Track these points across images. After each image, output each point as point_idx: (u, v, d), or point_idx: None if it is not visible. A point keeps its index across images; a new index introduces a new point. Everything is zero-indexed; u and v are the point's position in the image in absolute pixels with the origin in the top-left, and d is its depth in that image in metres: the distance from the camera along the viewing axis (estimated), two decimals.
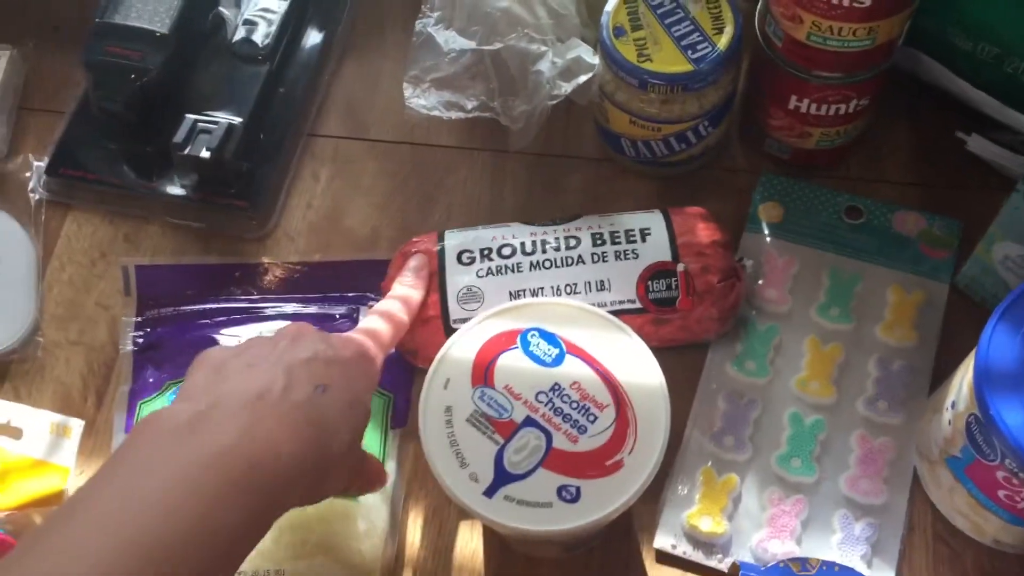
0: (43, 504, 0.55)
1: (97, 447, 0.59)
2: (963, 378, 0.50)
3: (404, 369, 0.60)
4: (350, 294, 0.64)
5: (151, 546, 0.36)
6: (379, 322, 0.54)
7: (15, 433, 0.57)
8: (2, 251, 0.65)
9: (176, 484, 0.38)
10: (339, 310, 0.63)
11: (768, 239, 0.63)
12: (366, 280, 0.63)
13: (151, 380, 0.60)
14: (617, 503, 0.46)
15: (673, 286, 0.57)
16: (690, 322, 0.59)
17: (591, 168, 0.67)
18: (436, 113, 0.61)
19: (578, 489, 0.47)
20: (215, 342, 0.61)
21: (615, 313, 0.57)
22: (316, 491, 0.46)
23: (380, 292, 0.60)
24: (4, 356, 0.62)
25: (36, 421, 0.57)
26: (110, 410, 0.60)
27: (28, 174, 0.68)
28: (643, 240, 0.59)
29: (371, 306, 0.62)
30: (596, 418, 0.48)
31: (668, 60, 0.58)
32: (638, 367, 0.49)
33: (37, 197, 0.68)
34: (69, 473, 0.55)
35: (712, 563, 0.55)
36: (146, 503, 0.37)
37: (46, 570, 0.35)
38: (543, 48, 0.59)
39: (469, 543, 0.57)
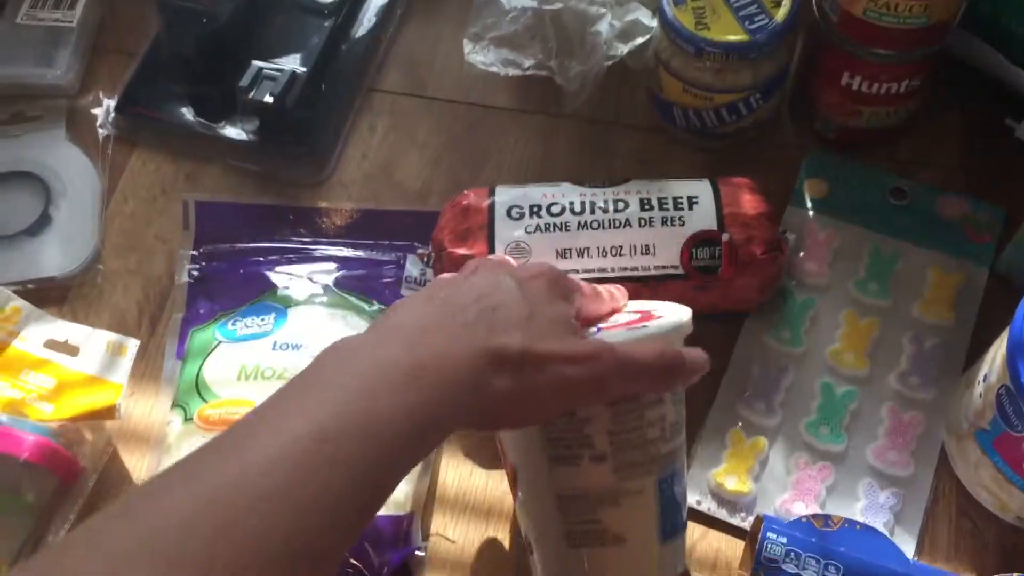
0: (95, 417, 0.57)
1: (148, 370, 0.62)
2: (997, 351, 0.51)
3: None
4: (399, 243, 0.65)
5: (320, 438, 0.36)
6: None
7: (72, 351, 0.60)
8: (70, 182, 0.68)
9: (346, 385, 0.39)
10: (387, 257, 0.65)
11: (811, 214, 0.64)
12: (415, 230, 0.65)
13: (203, 311, 0.62)
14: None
15: (717, 255, 0.58)
16: (731, 291, 0.60)
17: (641, 136, 0.69)
18: (494, 69, 0.63)
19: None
20: (267, 279, 0.63)
21: (657, 279, 0.58)
22: (505, 403, 0.43)
23: (429, 242, 0.62)
24: (66, 281, 0.65)
25: (93, 340, 0.60)
26: (163, 336, 0.63)
27: (98, 110, 0.71)
28: (690, 208, 0.60)
29: (419, 254, 0.63)
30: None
31: (725, 29, 0.59)
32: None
33: (105, 133, 0.70)
34: (121, 390, 0.57)
35: (735, 521, 0.56)
36: (318, 401, 0.38)
37: (219, 466, 0.36)
38: (602, 10, 0.61)
39: (500, 485, 0.58)
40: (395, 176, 0.69)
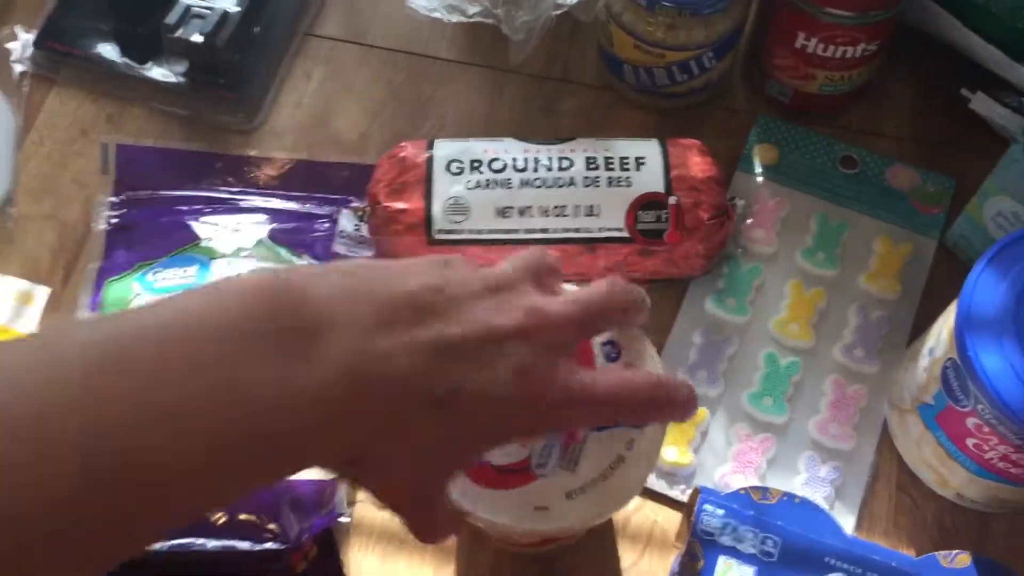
0: None
1: (60, 320, 0.58)
2: (943, 325, 0.49)
3: None
4: (333, 196, 0.62)
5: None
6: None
7: None
8: None
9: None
10: (321, 210, 0.61)
11: (760, 180, 0.62)
12: (351, 183, 0.62)
13: (120, 260, 0.59)
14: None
15: (663, 218, 0.57)
16: (676, 256, 0.58)
17: (590, 94, 0.66)
18: (437, 15, 0.60)
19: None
20: (190, 229, 0.59)
21: (602, 240, 0.56)
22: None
23: (365, 196, 0.59)
24: None
25: (0, 287, 0.56)
26: (77, 286, 0.59)
27: (15, 45, 0.66)
28: (637, 169, 0.58)
29: (354, 208, 0.60)
30: None
31: None
32: None
33: (22, 68, 0.66)
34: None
35: (674, 493, 0.54)
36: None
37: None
38: None
39: None
40: (331, 126, 0.66)
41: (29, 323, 0.54)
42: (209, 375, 0.31)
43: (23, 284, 0.56)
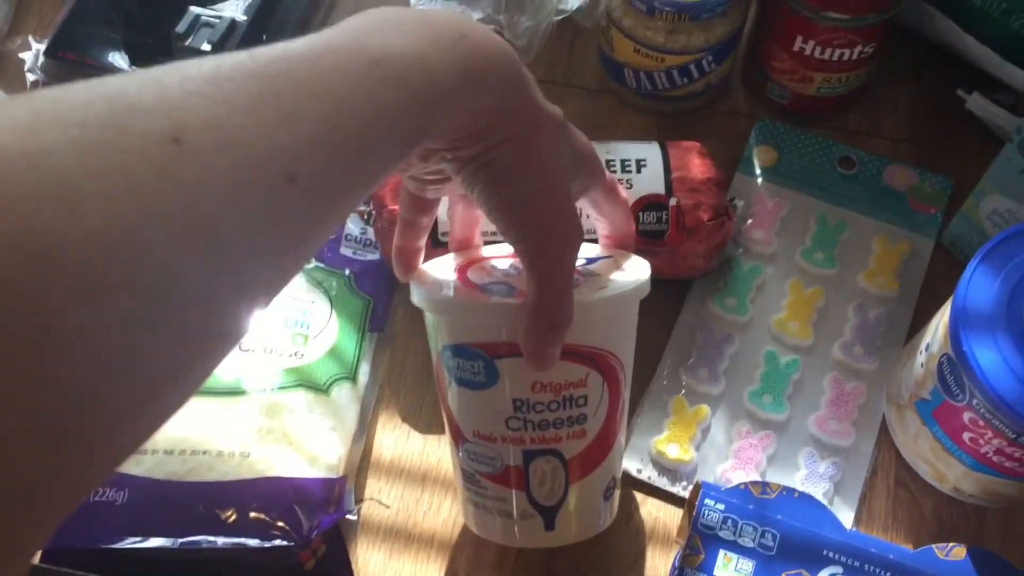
0: None
1: None
2: (940, 321, 0.50)
3: (386, 275, 0.60)
4: None
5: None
6: None
7: None
8: None
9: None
10: None
11: (760, 181, 0.63)
12: None
13: None
14: None
15: (663, 219, 0.57)
16: (676, 257, 0.59)
17: (591, 98, 0.67)
18: None
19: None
20: None
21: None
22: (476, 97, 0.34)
23: (370, 199, 0.60)
24: None
25: None
26: None
27: (27, 55, 0.67)
28: (638, 171, 0.58)
29: (359, 212, 0.61)
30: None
31: None
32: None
33: (34, 78, 0.67)
34: None
35: (676, 489, 0.55)
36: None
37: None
38: None
39: (435, 450, 0.57)
40: None
41: None
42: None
43: None
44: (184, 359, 0.25)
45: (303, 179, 0.27)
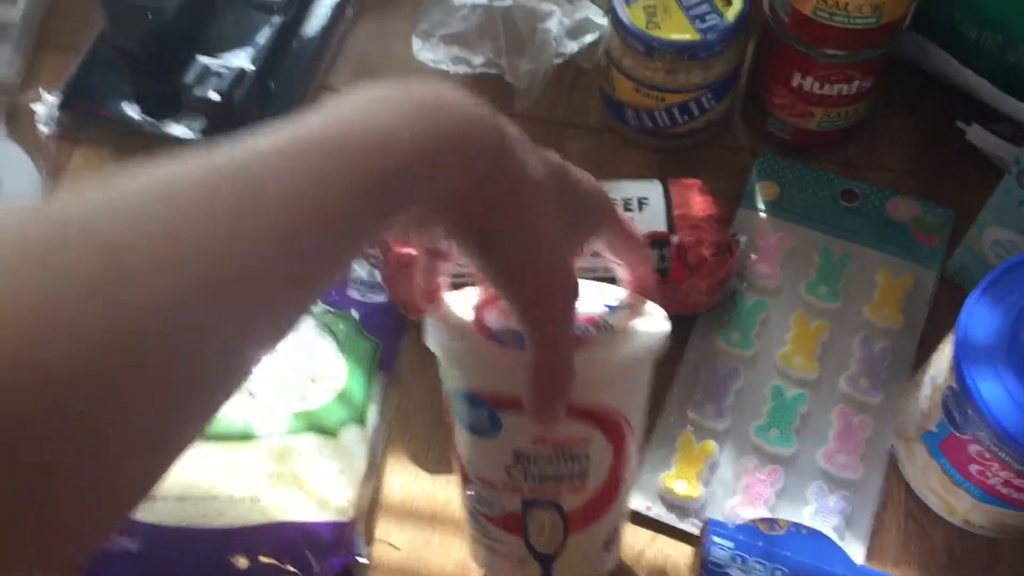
0: None
1: None
2: (943, 354, 0.50)
3: (394, 317, 0.61)
4: None
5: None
6: None
7: None
8: (9, 180, 0.66)
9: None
10: None
11: (763, 216, 0.64)
12: None
13: None
14: None
15: (666, 257, 0.58)
16: (680, 294, 0.59)
17: (593, 137, 0.68)
18: (443, 67, 0.62)
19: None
20: None
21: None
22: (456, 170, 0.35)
23: (375, 243, 0.61)
24: None
25: None
26: None
27: (40, 107, 0.69)
28: (640, 209, 0.59)
29: (365, 255, 0.62)
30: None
31: (676, 28, 0.59)
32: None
33: (47, 130, 0.69)
34: None
35: (685, 526, 0.55)
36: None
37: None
38: (552, 7, 0.60)
39: (444, 491, 0.57)
40: None
41: None
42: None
43: None
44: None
45: (277, 267, 0.29)
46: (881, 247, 0.62)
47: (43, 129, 0.68)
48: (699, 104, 0.63)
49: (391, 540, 0.56)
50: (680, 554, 0.55)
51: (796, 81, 0.61)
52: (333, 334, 0.59)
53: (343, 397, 0.57)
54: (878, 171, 0.66)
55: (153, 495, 0.48)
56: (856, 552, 0.54)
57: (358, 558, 0.53)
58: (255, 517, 0.52)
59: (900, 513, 0.56)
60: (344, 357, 0.59)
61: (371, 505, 0.57)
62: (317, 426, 0.55)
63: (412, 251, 0.58)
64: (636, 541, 0.55)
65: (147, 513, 0.52)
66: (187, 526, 0.52)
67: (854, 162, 0.66)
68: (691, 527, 0.55)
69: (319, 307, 0.60)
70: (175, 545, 0.51)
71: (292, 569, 0.50)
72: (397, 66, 0.71)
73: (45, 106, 0.69)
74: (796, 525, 0.51)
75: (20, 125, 0.69)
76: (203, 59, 0.66)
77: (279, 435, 0.54)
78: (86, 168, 0.68)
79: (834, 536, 0.54)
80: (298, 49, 0.71)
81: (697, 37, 0.59)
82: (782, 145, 0.66)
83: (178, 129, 0.67)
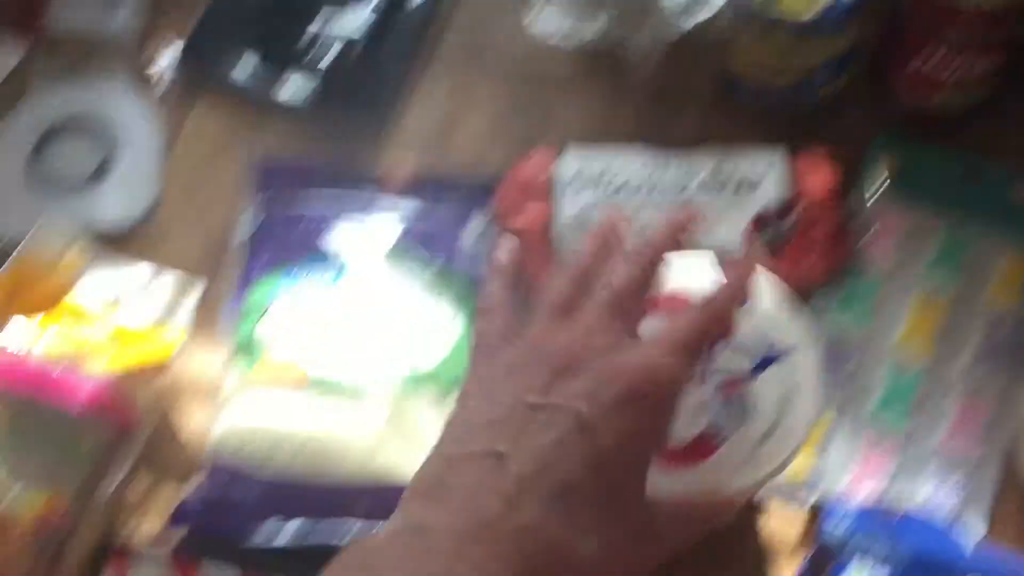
0: (151, 368, 0.57)
1: (205, 323, 0.61)
2: None
3: None
4: (457, 207, 0.64)
5: None
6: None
7: (130, 301, 0.60)
8: (130, 132, 0.68)
9: None
10: (446, 220, 0.64)
11: (881, 195, 0.63)
12: (473, 195, 0.64)
13: (261, 264, 0.62)
14: None
15: (783, 233, 0.57)
16: (796, 270, 0.58)
17: (709, 110, 0.67)
18: (557, 39, 0.62)
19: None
20: (326, 235, 0.62)
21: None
22: None
23: (489, 209, 0.61)
24: (124, 231, 0.65)
25: (152, 288, 0.60)
26: (221, 289, 0.62)
27: (160, 61, 0.70)
28: (758, 183, 0.59)
29: (478, 221, 0.62)
30: None
31: (796, 3, 0.58)
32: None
33: (167, 83, 0.70)
34: (179, 342, 0.57)
35: (796, 503, 0.55)
36: None
37: None
38: None
39: None
40: (454, 140, 0.68)
41: (182, 321, 0.58)
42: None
43: (174, 284, 0.59)
44: None
45: None
46: (1004, 231, 0.61)
47: (163, 83, 0.70)
48: (818, 79, 0.62)
49: None
50: (790, 529, 0.55)
51: (922, 57, 0.60)
52: (445, 295, 0.60)
53: (456, 357, 0.58)
54: (1003, 152, 0.64)
55: (272, 450, 0.50)
56: (974, 533, 0.53)
57: None
58: (371, 475, 0.53)
59: (1018, 495, 0.55)
60: (457, 317, 0.59)
61: None
62: (432, 384, 0.56)
63: (526, 220, 0.58)
64: (748, 515, 0.55)
65: (265, 468, 0.53)
66: (302, 481, 0.53)
67: (978, 142, 0.65)
68: (802, 505, 0.55)
69: (432, 268, 0.61)
70: (292, 500, 0.53)
71: None
72: (506, 39, 0.71)
73: (165, 59, 0.70)
74: (913, 507, 0.51)
75: (141, 78, 0.70)
76: (319, 19, 0.67)
77: (394, 393, 0.55)
78: (204, 122, 0.69)
79: (951, 517, 0.53)
80: (410, 12, 0.71)
81: (818, 11, 0.58)
82: (904, 122, 0.65)
83: (294, 87, 0.68)
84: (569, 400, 0.38)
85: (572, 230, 0.57)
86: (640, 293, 0.43)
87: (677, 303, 0.46)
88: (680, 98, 0.68)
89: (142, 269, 0.60)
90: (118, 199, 0.65)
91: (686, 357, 0.40)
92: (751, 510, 0.55)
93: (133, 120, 0.68)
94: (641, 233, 0.57)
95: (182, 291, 0.59)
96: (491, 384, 0.40)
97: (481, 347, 0.43)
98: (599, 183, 0.58)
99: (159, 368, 0.57)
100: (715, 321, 0.42)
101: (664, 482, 0.42)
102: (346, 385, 0.55)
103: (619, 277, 0.42)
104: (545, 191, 0.59)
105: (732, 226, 0.57)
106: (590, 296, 0.42)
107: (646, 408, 0.38)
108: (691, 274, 0.47)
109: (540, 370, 0.39)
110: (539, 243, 0.58)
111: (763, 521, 0.55)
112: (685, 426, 0.44)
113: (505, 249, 0.47)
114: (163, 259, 0.64)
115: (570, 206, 0.58)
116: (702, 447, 0.45)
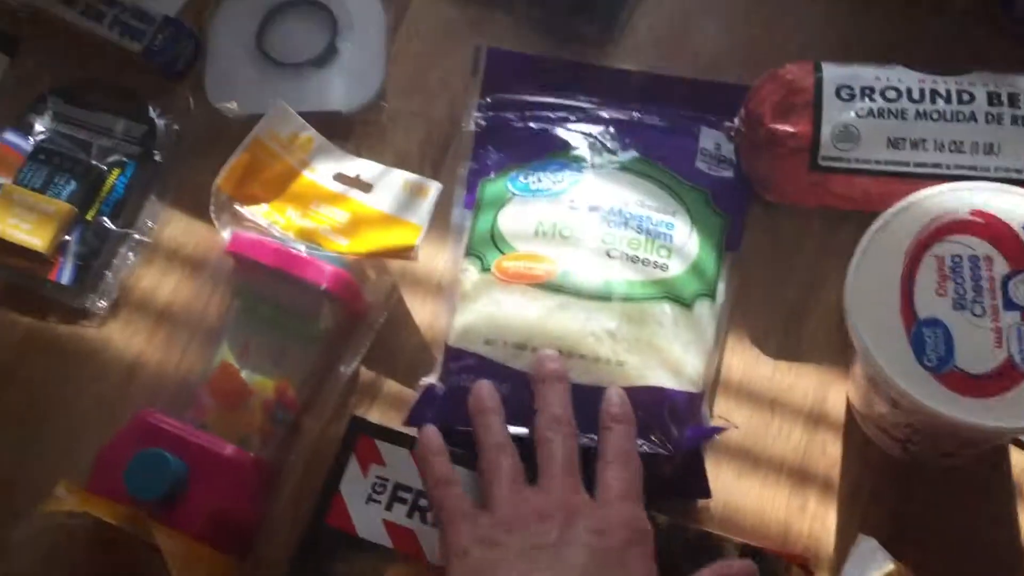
0: (392, 255, 0.57)
1: (434, 217, 0.60)
2: None
3: (743, 192, 0.59)
4: (691, 113, 0.62)
5: None
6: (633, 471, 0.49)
7: (365, 187, 0.59)
8: (357, 15, 0.66)
9: None
10: (680, 126, 0.61)
11: None
12: (709, 101, 0.62)
13: (491, 162, 0.61)
14: None
15: None
16: None
17: (975, 25, 0.63)
18: None
19: None
20: (557, 136, 0.60)
21: (999, 180, 0.54)
22: None
23: (730, 114, 0.59)
24: (350, 116, 0.64)
25: (387, 178, 0.59)
26: (449, 183, 0.61)
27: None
28: (1012, 103, 0.55)
29: (727, 128, 0.60)
30: None
31: None
32: None
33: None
34: (421, 230, 0.56)
35: None
36: None
37: None
38: None
39: (786, 376, 0.56)
40: (688, 43, 0.65)
41: (421, 215, 0.57)
42: None
43: (412, 177, 0.58)
44: None
45: None
46: None
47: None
48: None
49: (730, 417, 0.55)
50: None
51: None
52: (685, 204, 0.58)
53: (695, 269, 0.56)
54: None
55: (522, 343, 0.50)
56: None
57: (716, 435, 0.53)
58: (619, 379, 0.52)
59: None
60: (695, 230, 0.57)
61: (712, 380, 0.56)
62: (673, 295, 0.55)
63: (788, 128, 0.56)
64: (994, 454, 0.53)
65: (518, 360, 0.52)
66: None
67: None
68: None
69: (672, 176, 0.59)
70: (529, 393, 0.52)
71: (657, 432, 0.51)
72: None
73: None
74: None
75: None
76: None
77: (636, 299, 0.54)
78: (429, 10, 0.67)
79: None
80: None
81: None
82: None
83: None
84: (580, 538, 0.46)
85: (836, 140, 0.55)
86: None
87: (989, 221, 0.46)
88: (936, 8, 0.64)
89: (374, 165, 0.59)
90: (343, 85, 0.64)
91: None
92: None
93: (359, 3, 0.66)
94: (915, 151, 0.54)
95: (416, 192, 0.58)
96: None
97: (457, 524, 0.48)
98: (870, 94, 0.55)
99: (400, 256, 0.57)
100: None
101: (971, 412, 0.42)
102: (584, 287, 0.54)
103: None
104: (811, 97, 0.55)
105: (1016, 152, 0.54)
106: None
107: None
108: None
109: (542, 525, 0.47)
110: (799, 150, 0.55)
111: (1015, 462, 0.53)
112: (984, 358, 0.43)
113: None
114: (389, 146, 0.63)
115: (837, 114, 0.55)
116: (1006, 377, 0.43)
